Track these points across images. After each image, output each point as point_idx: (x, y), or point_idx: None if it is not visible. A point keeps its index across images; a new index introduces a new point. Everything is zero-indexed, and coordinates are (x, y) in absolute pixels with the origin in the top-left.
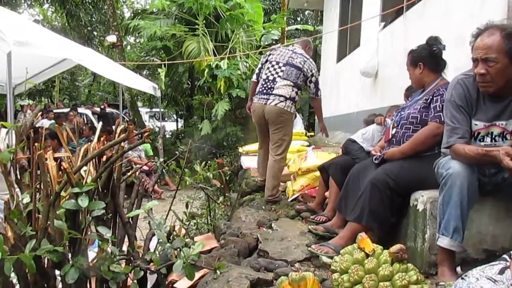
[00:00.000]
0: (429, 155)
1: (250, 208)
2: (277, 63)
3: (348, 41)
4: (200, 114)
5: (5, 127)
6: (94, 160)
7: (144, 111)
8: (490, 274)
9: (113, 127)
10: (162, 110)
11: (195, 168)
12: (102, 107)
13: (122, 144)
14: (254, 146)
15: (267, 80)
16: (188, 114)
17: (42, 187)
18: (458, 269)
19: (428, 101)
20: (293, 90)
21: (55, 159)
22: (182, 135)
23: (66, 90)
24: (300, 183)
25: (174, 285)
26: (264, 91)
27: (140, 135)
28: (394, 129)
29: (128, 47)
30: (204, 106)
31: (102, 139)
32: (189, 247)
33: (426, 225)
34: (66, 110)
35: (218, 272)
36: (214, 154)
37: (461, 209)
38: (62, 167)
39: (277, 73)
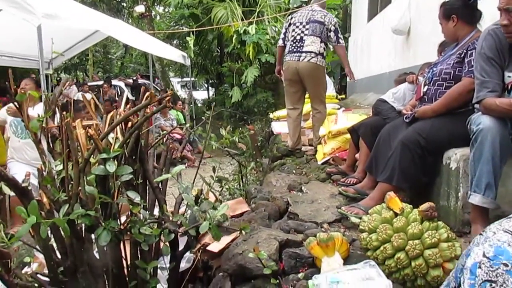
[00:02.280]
0: (463, 112)
1: (281, 173)
2: (301, 23)
3: None
4: (230, 81)
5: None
6: (121, 127)
7: (175, 81)
8: (507, 227)
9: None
10: (192, 79)
11: (221, 132)
12: (135, 78)
13: (148, 110)
14: (285, 112)
15: (294, 40)
16: (218, 82)
17: (70, 154)
18: None
19: (462, 55)
20: (320, 46)
21: (84, 127)
22: (214, 103)
23: (99, 63)
24: (330, 146)
25: (207, 248)
26: (295, 49)
27: (168, 102)
28: (426, 86)
29: (158, 17)
30: (233, 73)
31: (128, 106)
32: (216, 209)
33: (459, 183)
34: (100, 82)
35: (244, 232)
36: (245, 120)
37: (493, 165)
38: (89, 133)
39: (302, 32)
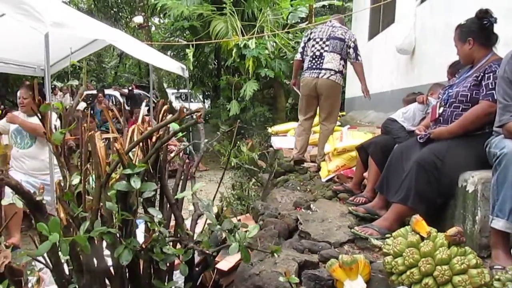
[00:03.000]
0: (479, 135)
1: (285, 189)
2: (321, 39)
3: (381, 18)
4: (227, 94)
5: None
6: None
7: (170, 92)
8: None
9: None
10: (189, 90)
11: (241, 148)
12: (130, 88)
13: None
14: (284, 126)
15: (314, 56)
16: (214, 94)
17: (93, 168)
18: None
19: (479, 78)
20: (340, 63)
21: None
22: (209, 115)
23: (93, 72)
24: (335, 163)
25: (216, 266)
26: (314, 66)
27: (191, 116)
28: (442, 108)
29: (153, 28)
30: (232, 86)
31: (147, 119)
32: (238, 229)
33: (477, 206)
34: (94, 92)
35: (276, 255)
36: (243, 134)
37: None
38: (114, 148)
39: (322, 48)
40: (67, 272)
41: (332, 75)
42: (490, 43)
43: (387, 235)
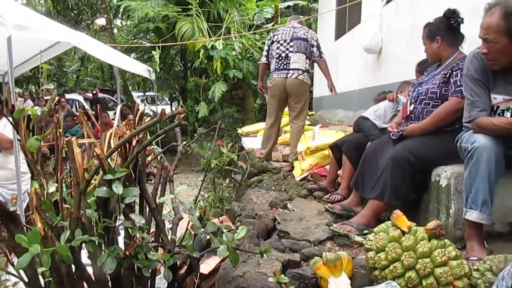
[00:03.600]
0: (450, 130)
1: (260, 189)
2: (285, 40)
3: (347, 18)
4: (195, 96)
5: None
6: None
7: (135, 95)
8: None
9: (109, 112)
10: (156, 93)
11: (222, 150)
12: (94, 92)
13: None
14: (254, 127)
15: (280, 58)
16: (182, 97)
17: (71, 175)
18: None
19: (447, 75)
20: (306, 63)
21: (80, 146)
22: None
23: (53, 76)
24: (308, 162)
25: None
26: (281, 67)
27: (172, 118)
28: (412, 105)
29: (115, 31)
30: (200, 88)
31: (124, 123)
32: (222, 231)
33: (451, 200)
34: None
35: (265, 256)
36: (212, 136)
37: (489, 182)
38: (93, 153)
39: (287, 49)
40: (43, 284)
41: (300, 74)
42: (457, 42)
43: (365, 231)
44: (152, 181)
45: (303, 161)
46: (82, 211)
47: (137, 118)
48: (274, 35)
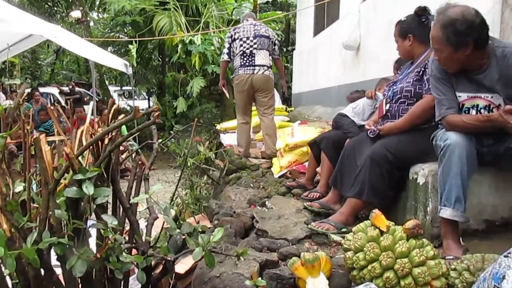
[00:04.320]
0: (427, 128)
1: (239, 187)
2: (247, 38)
3: (326, 14)
4: (173, 91)
5: None
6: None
7: (112, 89)
8: None
9: (86, 107)
10: (133, 88)
11: (198, 148)
12: (71, 86)
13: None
14: (232, 123)
15: (244, 55)
16: (160, 92)
17: (38, 174)
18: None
19: (421, 73)
20: (270, 59)
21: (49, 143)
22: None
23: (27, 69)
24: (287, 159)
25: None
26: (247, 63)
27: (147, 115)
28: (388, 104)
29: (91, 24)
30: (178, 83)
31: (97, 120)
32: (198, 232)
33: (428, 198)
34: (29, 90)
35: (242, 259)
36: (190, 132)
37: (462, 179)
38: (63, 152)
39: (251, 46)
40: (10, 286)
41: (265, 70)
42: (428, 40)
43: (343, 230)
44: (128, 178)
45: (281, 158)
46: (51, 212)
47: (110, 115)
48: (235, 33)
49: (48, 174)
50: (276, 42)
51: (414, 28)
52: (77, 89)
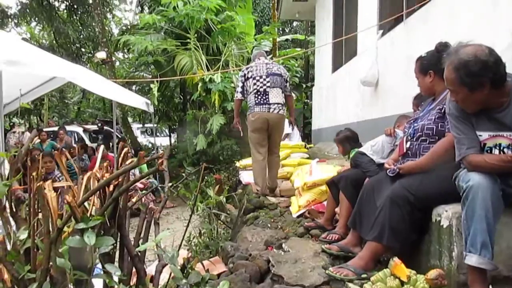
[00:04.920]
0: (449, 167)
1: (256, 227)
2: (260, 76)
3: (344, 51)
4: (194, 128)
5: None
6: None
7: (135, 127)
8: None
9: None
10: (154, 125)
11: (208, 192)
12: (100, 125)
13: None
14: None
15: (258, 93)
16: (181, 129)
17: (42, 222)
18: None
19: (443, 110)
20: (283, 97)
21: (55, 189)
22: (176, 150)
23: (55, 108)
24: (306, 198)
25: None
26: (262, 101)
27: (160, 164)
28: (409, 142)
29: (117, 63)
30: (198, 120)
31: (105, 164)
32: (206, 282)
33: (453, 242)
34: (56, 128)
35: None
36: (210, 169)
37: (487, 223)
38: (65, 200)
39: (264, 85)
40: None
41: (280, 109)
42: None
43: (363, 276)
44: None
45: (300, 197)
46: (52, 262)
47: (120, 159)
48: (248, 72)
49: (49, 222)
50: (288, 79)
51: (434, 64)
52: (106, 127)
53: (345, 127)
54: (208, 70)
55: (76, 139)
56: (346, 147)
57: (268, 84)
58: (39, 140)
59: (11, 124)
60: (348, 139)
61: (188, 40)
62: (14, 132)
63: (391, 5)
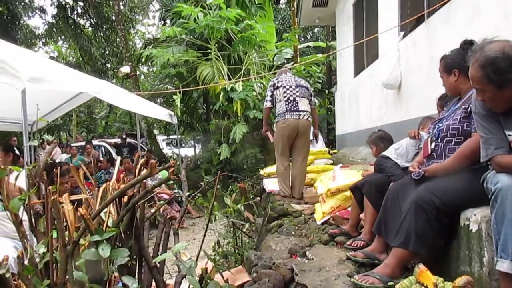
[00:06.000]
0: (477, 168)
1: (280, 235)
2: (290, 86)
3: (365, 54)
4: (217, 138)
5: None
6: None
7: (161, 139)
8: None
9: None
10: (179, 136)
11: (225, 200)
12: (124, 136)
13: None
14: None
15: (288, 101)
16: (205, 139)
17: (58, 235)
18: None
19: (469, 110)
20: (309, 106)
21: (72, 201)
22: (201, 160)
23: (83, 123)
24: (330, 204)
25: None
26: (292, 109)
27: (172, 173)
28: (433, 143)
29: (142, 77)
30: (221, 130)
31: (121, 176)
32: None
33: (483, 247)
34: (84, 143)
35: None
36: (235, 178)
37: None
38: (79, 212)
39: (294, 94)
40: None
41: (308, 116)
42: None
43: (389, 283)
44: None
45: (324, 203)
46: (68, 275)
47: (137, 170)
48: (278, 81)
49: (69, 234)
50: (313, 93)
51: (459, 62)
52: (128, 139)
53: (378, 129)
54: (229, 79)
55: (103, 153)
56: (381, 147)
57: (297, 94)
58: (69, 155)
59: (41, 140)
60: (382, 139)
61: (209, 51)
62: (43, 149)
63: (412, 5)
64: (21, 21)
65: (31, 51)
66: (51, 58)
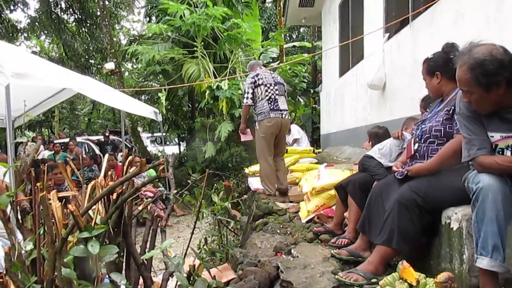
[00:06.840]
0: (458, 169)
1: (265, 233)
2: (270, 84)
3: (351, 55)
4: (202, 136)
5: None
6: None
7: (145, 136)
8: None
9: (118, 154)
10: (163, 134)
11: (213, 198)
12: (107, 134)
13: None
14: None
15: (270, 100)
16: (190, 137)
17: (46, 232)
18: None
19: (451, 112)
20: (287, 104)
21: (60, 198)
22: (185, 158)
23: (65, 119)
24: (314, 203)
25: None
26: (275, 108)
27: (161, 171)
28: (417, 144)
29: (126, 73)
30: (206, 128)
31: (109, 173)
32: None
33: (463, 245)
34: (66, 140)
35: None
36: (220, 176)
37: (498, 225)
38: (67, 209)
39: (274, 92)
40: None
41: (288, 115)
42: None
43: (373, 280)
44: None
45: (309, 202)
46: (57, 272)
47: (125, 167)
48: (258, 79)
49: (56, 231)
50: (286, 89)
51: (441, 65)
52: (111, 137)
53: (377, 126)
54: (215, 77)
55: (87, 150)
56: (372, 143)
57: (277, 92)
58: (53, 152)
59: (21, 136)
60: (378, 136)
61: (195, 49)
62: (25, 145)
63: (397, 7)
64: (2, 15)
65: (14, 46)
66: (33, 52)
